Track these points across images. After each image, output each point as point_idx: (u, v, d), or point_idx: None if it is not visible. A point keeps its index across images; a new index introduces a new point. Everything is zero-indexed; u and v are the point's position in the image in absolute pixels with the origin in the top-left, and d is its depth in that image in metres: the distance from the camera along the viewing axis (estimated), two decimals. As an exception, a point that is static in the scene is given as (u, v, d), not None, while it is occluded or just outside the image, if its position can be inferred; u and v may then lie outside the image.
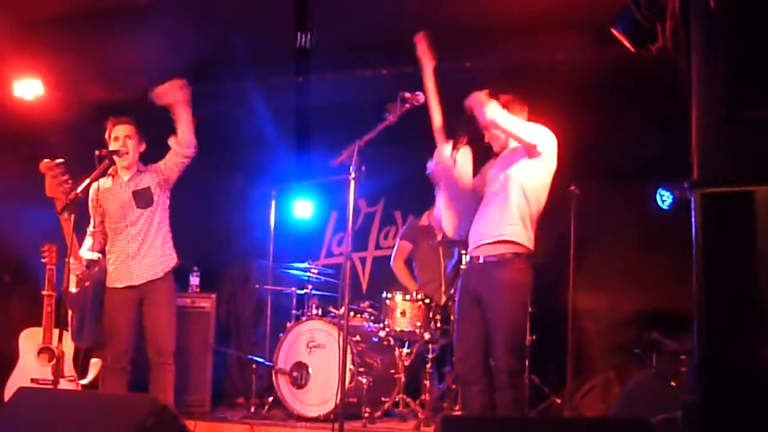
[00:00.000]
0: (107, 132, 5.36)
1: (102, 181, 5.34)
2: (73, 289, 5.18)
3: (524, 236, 4.35)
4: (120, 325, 5.25)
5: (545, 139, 4.40)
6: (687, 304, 2.66)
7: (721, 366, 2.54)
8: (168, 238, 5.45)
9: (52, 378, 5.25)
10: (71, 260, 5.05)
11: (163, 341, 5.31)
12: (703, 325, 2.56)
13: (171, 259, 5.43)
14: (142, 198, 5.35)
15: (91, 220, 5.43)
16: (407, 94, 4.36)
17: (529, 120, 4.57)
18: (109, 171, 5.33)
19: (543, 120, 4.69)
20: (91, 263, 5.27)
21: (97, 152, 4.95)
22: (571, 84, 6.11)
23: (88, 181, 4.85)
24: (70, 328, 5.22)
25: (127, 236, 5.33)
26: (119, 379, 5.22)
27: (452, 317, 6.33)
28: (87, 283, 5.20)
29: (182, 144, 5.33)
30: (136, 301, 5.27)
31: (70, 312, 5.15)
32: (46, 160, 5.06)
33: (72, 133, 6.50)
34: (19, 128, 6.02)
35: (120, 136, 5.32)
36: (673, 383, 5.00)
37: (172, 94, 5.13)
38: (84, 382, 5.41)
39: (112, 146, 5.29)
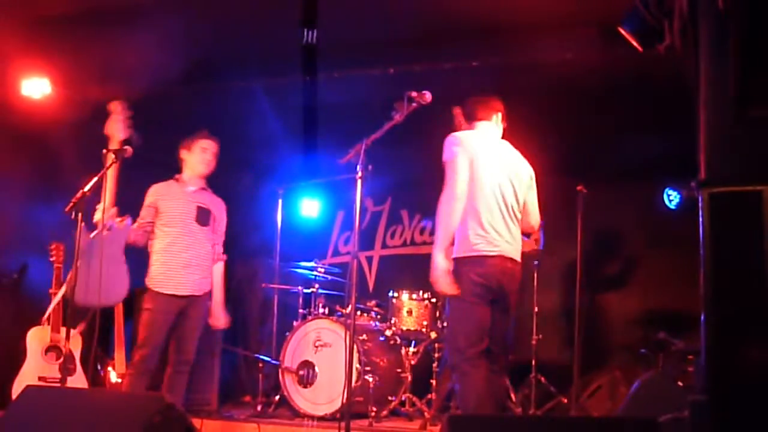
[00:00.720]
0: (194, 142, 5.64)
1: (164, 184, 5.56)
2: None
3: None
4: (164, 329, 5.30)
5: (447, 164, 4.43)
6: (694, 304, 2.66)
7: (729, 366, 2.54)
8: (211, 265, 5.55)
9: (59, 376, 5.28)
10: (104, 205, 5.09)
11: (191, 351, 5.43)
12: (710, 324, 2.55)
13: (209, 284, 5.52)
14: (203, 216, 5.52)
15: (142, 215, 5.48)
16: (414, 94, 4.35)
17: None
18: (174, 176, 5.61)
19: (548, 119, 4.70)
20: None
21: (105, 150, 4.95)
22: (578, 83, 6.09)
23: (95, 179, 4.85)
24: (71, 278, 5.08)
25: (181, 245, 5.39)
26: (142, 381, 5.24)
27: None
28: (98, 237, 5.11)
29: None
30: (178, 310, 5.33)
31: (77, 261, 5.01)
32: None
33: (79, 132, 6.52)
34: (26, 127, 6.03)
35: (208, 149, 5.65)
36: (680, 383, 4.99)
37: None
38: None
39: (196, 157, 5.60)
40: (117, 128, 5.22)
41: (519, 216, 4.56)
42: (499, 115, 4.68)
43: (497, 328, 4.43)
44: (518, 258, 4.49)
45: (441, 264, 4.27)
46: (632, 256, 6.97)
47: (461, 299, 4.36)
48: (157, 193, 5.52)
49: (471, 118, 4.68)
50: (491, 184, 4.42)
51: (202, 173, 5.65)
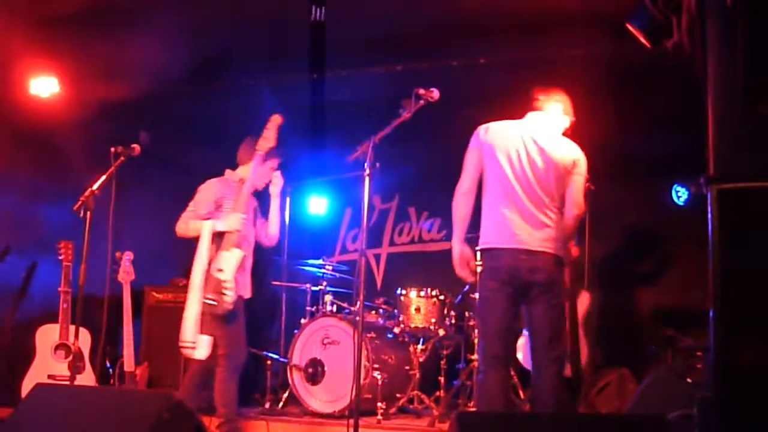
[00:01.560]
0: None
1: (222, 181, 5.51)
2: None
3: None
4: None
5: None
6: (703, 301, 2.65)
7: (737, 362, 2.53)
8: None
9: (68, 374, 5.30)
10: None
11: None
12: (719, 321, 2.55)
13: None
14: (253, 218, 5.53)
15: (199, 207, 5.46)
16: (422, 91, 4.34)
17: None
18: (238, 176, 5.53)
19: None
20: None
21: (113, 149, 4.96)
22: (585, 80, 6.08)
23: (104, 177, 4.87)
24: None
25: (243, 247, 5.40)
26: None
27: (467, 314, 6.35)
28: None
29: (269, 239, 5.66)
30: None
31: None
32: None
33: (86, 131, 6.54)
34: (34, 125, 6.04)
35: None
36: (688, 380, 4.98)
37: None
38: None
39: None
40: (269, 137, 5.25)
41: (552, 206, 4.44)
42: (559, 106, 4.65)
43: (537, 324, 4.39)
44: (544, 248, 4.35)
45: (454, 251, 4.47)
46: (640, 253, 6.95)
47: (481, 296, 4.44)
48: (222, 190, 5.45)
49: (528, 108, 4.67)
50: (513, 174, 4.38)
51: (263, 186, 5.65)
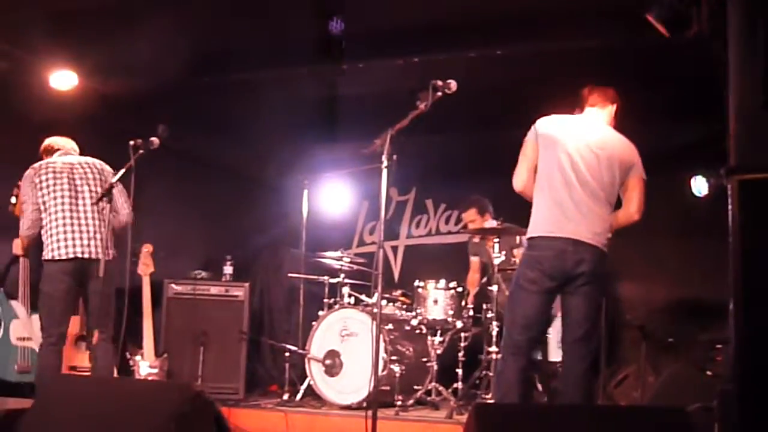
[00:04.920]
0: None
1: None
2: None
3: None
4: None
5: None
6: (723, 293, 2.64)
7: (758, 355, 2.52)
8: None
9: (89, 365, 5.34)
10: None
11: None
12: (739, 313, 2.53)
13: None
14: None
15: None
16: (439, 82, 4.32)
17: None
18: None
19: (573, 107, 4.66)
20: None
21: (132, 142, 4.98)
22: (604, 71, 6.04)
23: (123, 171, 4.89)
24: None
25: None
26: None
27: (484, 306, 6.35)
28: None
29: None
30: None
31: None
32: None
33: (105, 124, 6.57)
34: (54, 119, 6.07)
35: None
36: (708, 372, 4.96)
37: None
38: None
39: None
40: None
41: (606, 202, 4.42)
42: (613, 107, 4.67)
43: (573, 316, 4.36)
44: (593, 242, 4.32)
45: None
46: (660, 244, 6.91)
47: (516, 283, 4.38)
48: None
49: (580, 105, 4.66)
50: (571, 167, 4.36)
51: None
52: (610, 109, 4.67)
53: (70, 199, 5.24)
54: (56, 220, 5.19)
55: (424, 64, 6.23)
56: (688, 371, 4.96)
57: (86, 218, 5.24)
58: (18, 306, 5.62)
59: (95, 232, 5.17)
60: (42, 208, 5.23)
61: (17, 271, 5.75)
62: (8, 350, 5.54)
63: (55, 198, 5.23)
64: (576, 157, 4.37)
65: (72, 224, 5.18)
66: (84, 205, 5.26)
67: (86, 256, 5.14)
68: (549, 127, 4.47)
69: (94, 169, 5.41)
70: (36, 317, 5.61)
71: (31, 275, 5.69)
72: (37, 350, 5.27)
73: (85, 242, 5.17)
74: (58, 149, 5.50)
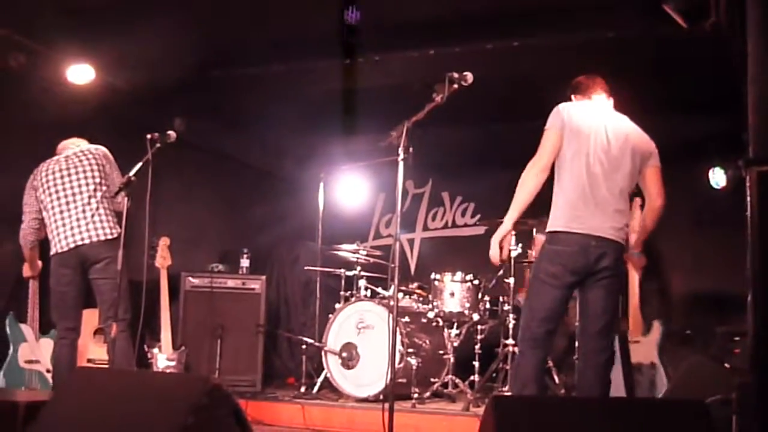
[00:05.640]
0: None
1: None
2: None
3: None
4: None
5: (541, 140, 4.40)
6: (741, 285, 2.62)
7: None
8: None
9: (107, 358, 5.37)
10: None
11: None
12: (758, 305, 2.52)
13: None
14: None
15: None
16: (455, 75, 4.31)
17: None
18: None
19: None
20: None
21: (149, 136, 5.00)
22: (620, 62, 6.02)
23: (140, 164, 4.91)
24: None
25: None
26: None
27: (501, 298, 6.34)
28: None
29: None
30: None
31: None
32: None
33: (122, 118, 6.59)
34: (71, 113, 6.10)
35: None
36: (726, 365, 4.93)
37: None
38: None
39: None
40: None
41: (625, 195, 4.38)
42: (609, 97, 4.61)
43: (593, 309, 4.33)
44: (615, 237, 4.28)
45: (504, 228, 4.31)
46: (678, 236, 6.88)
47: (536, 277, 4.33)
48: None
49: (586, 93, 4.58)
50: (587, 158, 4.30)
51: None
52: (610, 99, 4.61)
53: (64, 191, 5.27)
54: (53, 215, 5.25)
55: (440, 56, 6.22)
56: (705, 364, 4.93)
57: (83, 205, 5.24)
58: (27, 329, 5.68)
59: (93, 215, 5.18)
60: (42, 207, 5.30)
61: (27, 294, 5.79)
62: (16, 373, 5.59)
63: (50, 195, 5.28)
64: (600, 152, 4.30)
65: (69, 215, 5.22)
66: (81, 193, 5.27)
67: (86, 241, 5.16)
68: (574, 116, 4.36)
69: (89, 154, 5.41)
70: (44, 340, 5.73)
71: (40, 299, 5.74)
72: (43, 372, 5.49)
73: (83, 228, 5.18)
74: (62, 149, 5.55)
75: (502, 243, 4.33)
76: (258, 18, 5.95)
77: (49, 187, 5.31)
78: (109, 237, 5.11)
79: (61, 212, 5.23)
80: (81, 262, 5.18)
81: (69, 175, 5.32)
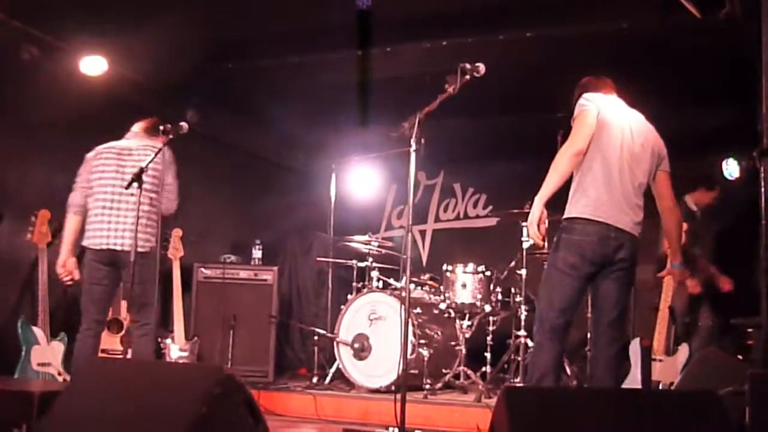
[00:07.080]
0: None
1: None
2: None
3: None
4: None
5: (575, 118, 4.33)
6: (754, 277, 2.62)
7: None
8: None
9: (121, 348, 5.40)
10: None
11: None
12: (771, 297, 2.51)
13: None
14: None
15: None
16: (467, 66, 4.30)
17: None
18: None
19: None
20: None
21: (161, 127, 5.00)
22: (635, 53, 5.99)
23: (153, 156, 4.91)
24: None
25: None
26: None
27: (513, 290, 6.34)
28: None
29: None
30: None
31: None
32: None
33: (135, 109, 6.60)
34: (84, 104, 6.12)
35: None
36: (739, 356, 4.92)
37: None
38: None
39: None
40: None
41: (642, 190, 4.36)
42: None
43: (606, 300, 4.31)
44: (632, 230, 4.27)
45: (534, 212, 4.22)
46: (690, 227, 6.85)
47: (554, 267, 4.29)
48: None
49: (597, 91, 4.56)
50: (615, 149, 4.27)
51: None
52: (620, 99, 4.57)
53: (113, 187, 5.07)
54: (96, 207, 5.07)
55: (453, 47, 6.20)
56: (717, 355, 4.91)
57: (126, 210, 5.03)
58: (39, 332, 5.70)
59: (133, 223, 4.85)
60: (90, 192, 5.12)
61: (36, 297, 5.81)
62: (30, 375, 5.58)
63: (100, 184, 5.10)
64: (626, 145, 4.29)
65: (111, 213, 5.03)
66: (129, 195, 5.00)
67: (119, 248, 4.99)
68: (602, 105, 4.32)
69: (152, 154, 5.01)
70: (55, 343, 5.73)
71: (50, 301, 5.76)
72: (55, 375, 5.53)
73: (120, 233, 5.01)
74: (133, 136, 5.34)
75: (539, 223, 4.25)
76: (270, 9, 5.95)
77: (100, 177, 5.11)
78: (142, 251, 4.95)
79: (104, 207, 5.05)
80: (113, 262, 5.08)
81: (123, 170, 5.08)
